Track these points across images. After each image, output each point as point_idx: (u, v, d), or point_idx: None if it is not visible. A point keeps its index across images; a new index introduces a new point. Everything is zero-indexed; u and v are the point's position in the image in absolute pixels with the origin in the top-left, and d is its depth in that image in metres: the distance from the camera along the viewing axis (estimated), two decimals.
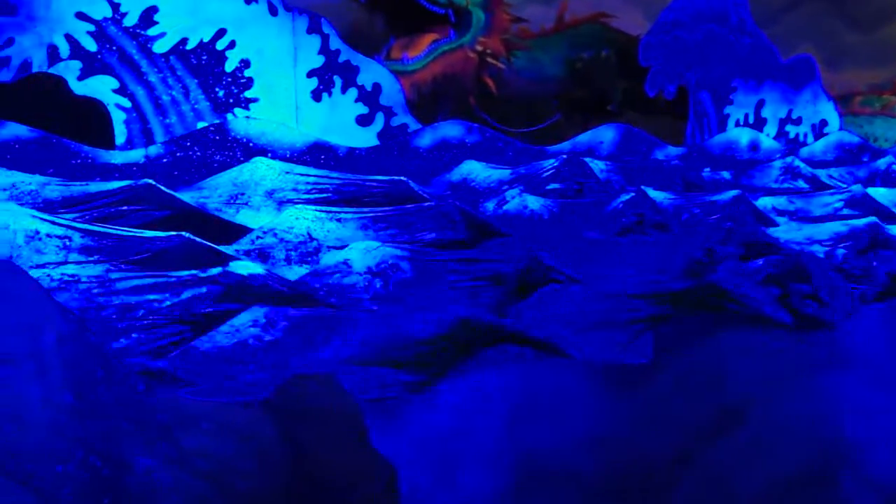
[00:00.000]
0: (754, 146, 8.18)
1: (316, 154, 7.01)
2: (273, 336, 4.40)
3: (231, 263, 4.96)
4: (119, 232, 5.33)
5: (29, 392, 3.35)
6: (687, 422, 4.80)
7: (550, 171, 7.26)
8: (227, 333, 4.45)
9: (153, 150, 6.47)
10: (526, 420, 4.48)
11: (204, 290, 4.90)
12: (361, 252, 5.53)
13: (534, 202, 6.74)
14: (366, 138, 7.36)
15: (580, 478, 4.51)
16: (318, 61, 7.22)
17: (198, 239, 5.41)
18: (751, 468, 4.63)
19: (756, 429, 4.75)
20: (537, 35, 8.74)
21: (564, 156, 7.27)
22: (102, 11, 6.65)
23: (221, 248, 5.57)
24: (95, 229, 5.27)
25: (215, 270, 5.01)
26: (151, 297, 4.97)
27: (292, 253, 5.84)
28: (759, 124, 8.70)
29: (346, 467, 3.90)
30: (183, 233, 5.36)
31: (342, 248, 5.71)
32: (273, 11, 7.06)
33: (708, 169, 7.84)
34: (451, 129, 7.57)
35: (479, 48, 8.21)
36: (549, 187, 7.19)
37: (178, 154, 6.50)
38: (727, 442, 4.71)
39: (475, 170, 7.24)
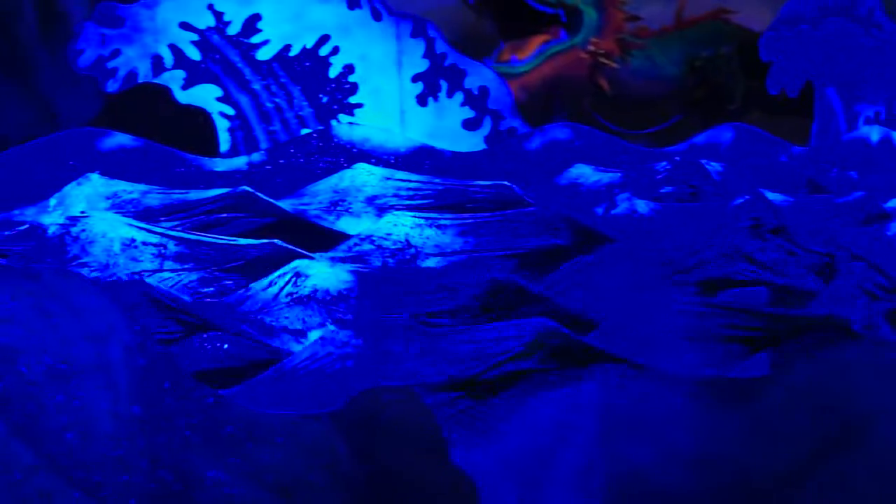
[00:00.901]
0: (886, 144, 7.70)
1: (421, 159, 6.91)
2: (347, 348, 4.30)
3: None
4: (212, 240, 5.35)
5: (96, 403, 3.33)
6: (801, 440, 4.49)
7: (663, 174, 6.99)
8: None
9: (256, 157, 6.48)
10: (623, 437, 4.26)
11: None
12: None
13: (643, 206, 6.49)
14: (473, 143, 7.22)
15: (681, 499, 4.26)
16: (424, 65, 7.12)
17: (289, 246, 5.38)
18: (869, 491, 4.30)
19: (878, 449, 4.42)
20: (655, 34, 8.42)
21: (678, 158, 6.99)
22: (206, 21, 6.71)
23: (316, 255, 5.52)
24: (189, 237, 5.31)
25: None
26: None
27: (389, 260, 5.75)
28: (893, 121, 8.19)
29: (424, 484, 3.76)
30: (275, 240, 5.34)
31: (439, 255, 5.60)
32: (377, 16, 6.99)
33: (835, 169, 7.41)
34: (560, 132, 7.36)
35: (591, 48, 7.97)
36: (661, 191, 6.92)
37: (280, 161, 6.50)
38: (844, 462, 4.39)
39: (585, 173, 7.02)
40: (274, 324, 4.87)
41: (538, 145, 7.25)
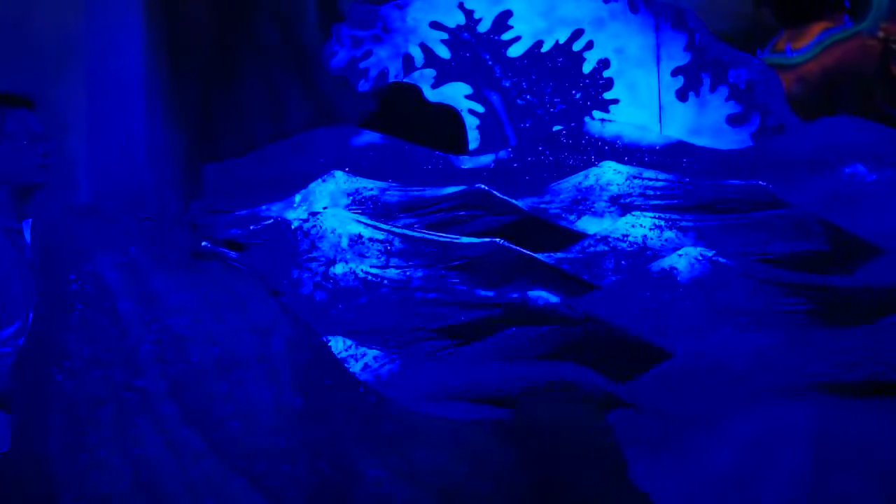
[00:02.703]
0: None
1: (677, 157, 6.58)
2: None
3: (530, 293, 4.82)
4: (436, 238, 5.38)
5: (259, 394, 3.42)
6: None
7: None
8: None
9: (504, 154, 6.44)
10: (834, 467, 3.82)
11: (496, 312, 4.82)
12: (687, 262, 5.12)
13: None
14: (738, 139, 6.77)
15: None
16: (684, 58, 6.77)
17: (512, 246, 5.31)
18: None
19: None
20: None
21: None
22: (456, 19, 6.74)
23: (542, 256, 5.41)
24: (414, 235, 5.36)
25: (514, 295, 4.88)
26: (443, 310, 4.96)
27: (622, 262, 5.53)
28: None
29: (598, 502, 3.56)
30: (496, 239, 5.29)
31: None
32: (634, 8, 6.73)
33: None
34: (837, 128, 6.76)
35: (881, 35, 7.25)
36: None
37: (528, 159, 6.42)
38: None
39: (860, 173, 6.41)
40: None
41: (810, 142, 6.69)
